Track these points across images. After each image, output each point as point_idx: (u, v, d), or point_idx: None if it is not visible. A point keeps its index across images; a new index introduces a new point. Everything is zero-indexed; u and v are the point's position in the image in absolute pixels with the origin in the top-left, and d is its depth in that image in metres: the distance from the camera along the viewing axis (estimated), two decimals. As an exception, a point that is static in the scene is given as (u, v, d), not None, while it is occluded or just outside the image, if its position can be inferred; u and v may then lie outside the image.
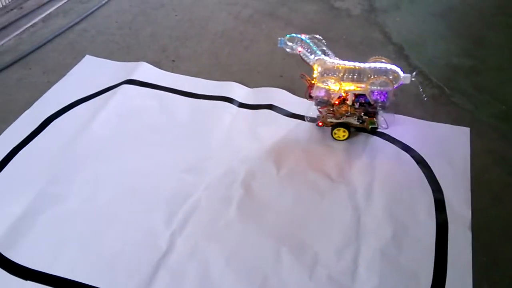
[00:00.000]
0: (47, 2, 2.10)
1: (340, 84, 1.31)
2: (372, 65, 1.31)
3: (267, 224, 1.17)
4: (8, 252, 1.08)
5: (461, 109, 1.53)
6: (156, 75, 1.66)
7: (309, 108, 1.47)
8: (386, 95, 1.32)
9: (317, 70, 1.34)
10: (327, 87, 1.33)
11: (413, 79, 1.30)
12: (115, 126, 1.44)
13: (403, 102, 1.55)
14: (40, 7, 2.07)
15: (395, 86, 1.29)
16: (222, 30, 1.94)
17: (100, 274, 1.05)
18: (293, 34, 1.36)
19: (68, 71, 1.69)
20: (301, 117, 1.49)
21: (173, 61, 1.76)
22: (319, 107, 1.40)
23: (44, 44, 1.85)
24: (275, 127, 1.45)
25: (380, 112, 1.39)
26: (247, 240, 1.13)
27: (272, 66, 1.73)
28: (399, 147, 1.39)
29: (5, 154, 1.33)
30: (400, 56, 1.77)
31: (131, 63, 1.72)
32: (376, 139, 1.40)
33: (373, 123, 1.39)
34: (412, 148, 1.38)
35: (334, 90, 1.33)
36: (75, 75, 1.66)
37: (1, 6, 2.03)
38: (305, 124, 1.46)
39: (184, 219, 1.17)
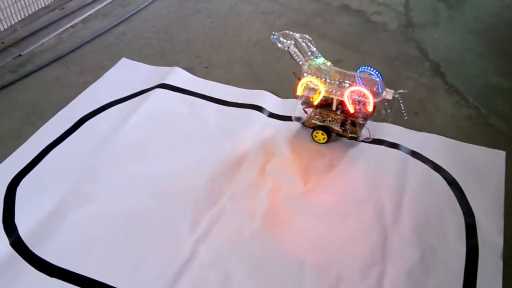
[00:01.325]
0: (88, 4, 2.15)
1: (324, 86, 1.34)
2: (358, 74, 1.33)
3: (291, 238, 1.16)
4: (36, 248, 1.10)
5: (497, 131, 1.49)
6: (188, 81, 1.68)
7: (295, 107, 1.48)
8: (368, 107, 1.33)
9: (305, 70, 1.37)
10: (312, 87, 1.36)
11: (395, 95, 1.31)
12: (146, 129, 1.46)
13: (437, 121, 1.51)
14: (81, 8, 2.12)
15: (377, 99, 1.31)
16: (256, 39, 1.95)
17: (123, 277, 1.06)
18: (286, 31, 1.38)
19: (104, 73, 1.72)
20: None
21: (206, 67, 1.78)
22: (304, 106, 1.43)
23: (83, 45, 1.90)
24: (303, 140, 1.44)
25: (367, 123, 1.40)
26: (270, 253, 1.12)
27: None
28: (430, 166, 1.35)
29: (39, 151, 1.36)
30: (436, 74, 1.74)
31: (165, 68, 1.74)
32: (407, 157, 1.38)
33: (354, 132, 1.40)
34: (443, 169, 1.34)
35: (318, 92, 1.35)
36: (110, 77, 1.70)
37: (44, 5, 2.09)
38: (334, 140, 1.44)
39: (208, 227, 1.17)
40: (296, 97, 1.42)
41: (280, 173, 1.33)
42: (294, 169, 1.34)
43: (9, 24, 1.93)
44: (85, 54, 1.85)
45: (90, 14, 2.10)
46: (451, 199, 1.27)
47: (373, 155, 1.39)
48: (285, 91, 1.64)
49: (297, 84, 1.39)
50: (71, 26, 2.02)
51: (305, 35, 1.39)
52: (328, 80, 1.35)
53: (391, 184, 1.30)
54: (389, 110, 1.40)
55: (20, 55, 1.81)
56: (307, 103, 1.42)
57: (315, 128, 1.42)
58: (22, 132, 1.45)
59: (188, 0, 2.23)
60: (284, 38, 1.37)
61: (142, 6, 2.15)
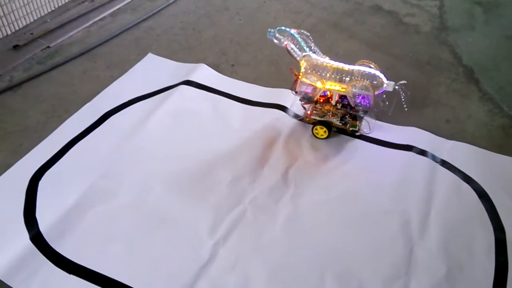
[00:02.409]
0: (117, -3, 2.16)
1: (323, 82, 1.33)
2: (358, 68, 1.32)
3: (313, 245, 1.13)
4: (55, 243, 1.10)
5: (533, 143, 1.42)
6: (213, 78, 1.66)
7: (293, 103, 1.48)
8: (369, 100, 1.32)
9: (303, 66, 1.36)
10: (310, 82, 1.35)
11: (396, 87, 1.30)
12: (169, 126, 1.45)
13: (469, 130, 1.46)
14: (110, 1, 2.13)
15: (378, 92, 1.30)
16: (284, 37, 1.91)
17: (142, 277, 1.05)
18: (283, 28, 1.37)
19: (131, 67, 1.72)
20: (358, 136, 1.43)
21: (233, 65, 1.75)
22: (302, 102, 1.42)
23: (111, 38, 1.90)
24: (329, 145, 1.41)
25: (366, 117, 1.39)
26: (290, 259, 1.10)
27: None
28: (460, 177, 1.30)
29: (63, 145, 1.37)
30: (470, 80, 1.67)
31: (191, 64, 1.73)
32: (435, 166, 1.33)
33: (355, 126, 1.40)
34: (474, 180, 1.29)
35: (318, 87, 1.34)
36: (136, 72, 1.69)
37: (74, -2, 2.11)
38: (362, 144, 1.41)
39: (228, 230, 1.15)
40: (294, 93, 1.41)
41: (303, 178, 1.30)
42: (318, 174, 1.31)
43: (39, 16, 1.95)
44: (112, 48, 1.86)
45: (119, 8, 2.10)
46: (481, 212, 1.21)
47: (401, 162, 1.35)
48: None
49: (295, 80, 1.39)
50: (100, 19, 2.02)
51: (302, 30, 1.39)
52: (326, 75, 1.34)
53: (418, 194, 1.25)
54: (387, 103, 1.37)
55: (48, 46, 1.83)
56: (306, 99, 1.41)
57: (315, 123, 1.41)
58: (48, 125, 1.46)
59: (216, -4, 2.21)
60: (281, 34, 1.37)
61: (171, 1, 2.14)
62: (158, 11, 2.08)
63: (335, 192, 1.26)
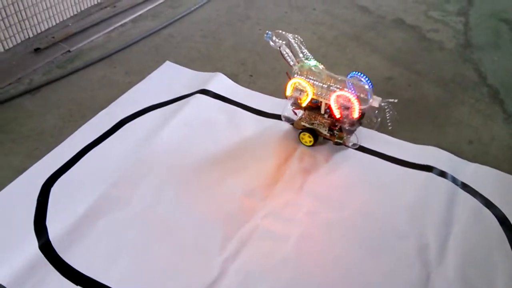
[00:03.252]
0: (139, 4, 2.16)
1: (312, 89, 1.34)
2: (348, 79, 1.31)
3: (325, 267, 1.09)
4: (64, 253, 1.09)
5: (559, 169, 1.37)
6: (230, 88, 1.64)
7: (286, 107, 1.46)
8: (354, 113, 1.31)
9: (295, 71, 1.36)
10: (300, 88, 1.36)
11: (382, 103, 1.29)
12: (182, 136, 1.44)
13: (492, 152, 1.41)
14: (132, 7, 2.14)
15: (364, 106, 1.29)
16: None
17: (148, 291, 1.03)
18: (280, 31, 1.38)
19: (149, 74, 1.72)
20: (375, 153, 1.40)
21: (251, 76, 1.74)
22: (293, 107, 1.42)
23: (131, 44, 1.90)
24: (344, 162, 1.37)
25: (350, 129, 1.37)
26: (301, 281, 1.06)
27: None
28: (481, 202, 1.26)
29: (77, 151, 1.36)
30: (495, 100, 1.62)
31: (208, 73, 1.72)
32: (456, 189, 1.28)
33: (341, 138, 1.39)
34: (495, 205, 1.24)
35: (307, 94, 1.34)
36: (153, 80, 1.69)
37: (96, 2, 2.12)
38: (379, 162, 1.37)
39: (238, 246, 1.13)
40: (286, 97, 1.41)
41: (318, 195, 1.27)
42: (334, 191, 1.28)
43: (61, 19, 1.96)
44: (132, 54, 1.86)
45: (140, 14, 2.11)
46: (501, 239, 1.17)
47: (419, 182, 1.31)
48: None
49: (286, 85, 1.38)
50: (121, 25, 2.03)
51: (297, 36, 1.39)
52: (317, 83, 1.33)
53: (437, 217, 1.21)
54: (379, 119, 1.35)
55: (69, 51, 1.84)
56: (296, 104, 1.41)
57: (303, 130, 1.41)
58: (64, 130, 1.46)
59: (238, 5, 2.20)
60: (277, 37, 1.37)
61: (192, 9, 2.14)
62: (179, 18, 2.08)
63: (349, 211, 1.23)
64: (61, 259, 1.08)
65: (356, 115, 1.30)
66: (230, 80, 1.69)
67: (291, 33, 1.39)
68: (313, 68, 1.35)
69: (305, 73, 1.35)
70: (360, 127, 1.46)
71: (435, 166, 1.34)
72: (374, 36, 1.98)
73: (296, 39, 1.38)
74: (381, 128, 1.39)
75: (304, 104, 1.37)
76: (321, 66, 1.36)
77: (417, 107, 1.59)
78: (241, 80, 1.70)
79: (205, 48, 1.89)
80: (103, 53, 1.83)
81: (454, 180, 1.31)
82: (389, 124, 1.32)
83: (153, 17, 2.10)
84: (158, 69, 1.74)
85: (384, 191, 1.29)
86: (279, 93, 1.63)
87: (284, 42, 1.37)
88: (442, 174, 1.33)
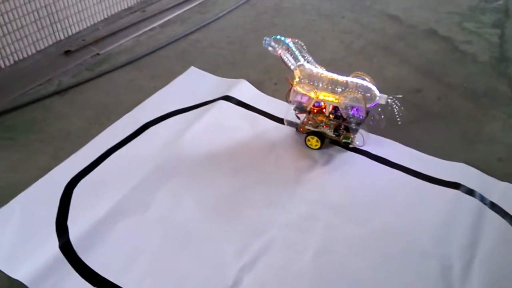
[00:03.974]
0: (168, 8, 2.18)
1: (316, 92, 1.34)
2: (352, 79, 1.32)
3: (342, 283, 1.07)
4: (83, 254, 1.10)
5: None
6: (253, 96, 1.64)
7: (288, 112, 1.47)
8: (362, 112, 1.32)
9: (297, 75, 1.37)
10: (303, 92, 1.36)
11: (389, 100, 1.29)
12: (204, 142, 1.43)
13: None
14: (161, 12, 2.16)
15: (370, 105, 1.30)
16: (330, 58, 1.87)
17: (163, 296, 1.03)
18: (278, 36, 1.38)
19: (174, 79, 1.72)
20: (400, 167, 1.36)
21: (275, 84, 1.72)
22: (296, 112, 1.43)
23: (158, 49, 1.92)
24: (369, 175, 1.34)
25: (360, 129, 1.38)
26: (317, 296, 1.04)
27: (377, 105, 1.61)
28: (510, 223, 1.20)
29: (101, 153, 1.38)
30: (529, 117, 1.56)
31: (232, 80, 1.71)
32: (484, 208, 1.23)
33: (347, 138, 1.38)
34: (525, 227, 1.19)
35: (311, 97, 1.35)
36: (177, 85, 1.69)
37: (126, 7, 2.15)
38: (404, 177, 1.33)
39: (255, 256, 1.11)
40: (288, 102, 1.41)
41: (339, 207, 1.24)
42: (355, 207, 1.25)
43: (92, 23, 2.00)
44: (159, 58, 1.87)
45: (169, 19, 2.13)
46: (531, 263, 1.11)
47: (446, 200, 1.26)
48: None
49: (289, 90, 1.39)
50: (150, 30, 2.05)
51: (297, 40, 1.40)
52: (320, 86, 1.33)
53: (463, 237, 1.16)
54: (383, 116, 1.36)
55: (98, 54, 1.87)
56: (299, 108, 1.41)
57: (309, 133, 1.41)
58: (89, 132, 1.48)
59: (266, 12, 2.20)
60: (276, 43, 1.37)
61: (220, 15, 2.15)
62: (207, 24, 2.09)
63: (371, 227, 1.20)
64: (80, 259, 1.09)
65: (363, 114, 1.32)
66: (254, 88, 1.68)
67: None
68: (314, 71, 1.36)
69: (307, 76, 1.35)
70: (388, 140, 1.45)
71: (462, 184, 1.30)
72: (403, 47, 1.94)
73: (296, 43, 1.39)
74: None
75: (308, 108, 1.39)
76: (322, 69, 1.38)
77: (446, 121, 1.54)
78: (266, 88, 1.69)
79: (231, 55, 1.89)
80: (130, 57, 1.85)
81: (482, 199, 1.26)
82: (398, 119, 1.33)
83: (182, 22, 2.11)
84: (183, 74, 1.75)
85: (408, 207, 1.25)
86: (304, 102, 1.62)
87: (283, 48, 1.38)
88: (470, 192, 1.28)
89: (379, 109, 1.32)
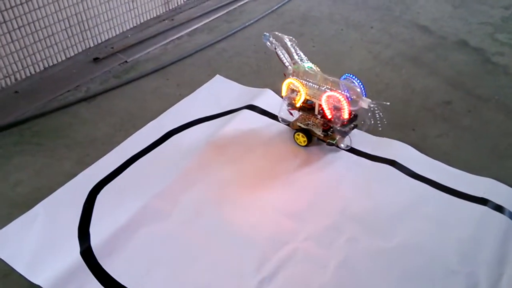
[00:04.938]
0: (196, 17, 2.20)
1: (304, 89, 1.38)
2: (340, 81, 1.34)
3: (363, 299, 1.04)
4: (103, 260, 1.11)
5: None
6: (277, 105, 1.62)
7: (281, 108, 1.50)
8: (344, 113, 1.33)
9: (289, 71, 1.42)
10: (294, 88, 1.40)
11: (371, 105, 1.30)
12: (227, 151, 1.43)
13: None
14: (189, 21, 2.18)
15: (354, 107, 1.33)
16: (358, 68, 1.84)
17: (181, 307, 1.03)
18: (277, 33, 1.44)
19: (199, 87, 1.73)
20: (427, 181, 1.32)
21: (301, 93, 1.71)
22: (289, 108, 1.46)
23: (185, 57, 1.93)
24: (394, 188, 1.31)
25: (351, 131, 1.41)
26: (337, 312, 1.02)
27: (405, 117, 1.58)
28: (541, 241, 1.15)
29: (124, 160, 1.39)
30: None
31: (256, 89, 1.71)
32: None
33: (333, 139, 1.41)
34: (557, 247, 1.14)
35: (301, 94, 1.39)
36: (202, 93, 1.70)
37: (155, 15, 2.18)
38: (431, 190, 1.29)
39: (276, 268, 1.10)
40: (282, 97, 1.46)
41: (362, 221, 1.21)
42: (379, 220, 1.22)
43: (121, 31, 2.04)
44: (185, 66, 1.89)
45: (196, 28, 2.14)
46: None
47: (473, 216, 1.22)
48: (381, 130, 1.51)
49: (282, 85, 1.44)
50: (177, 38, 2.07)
51: (293, 38, 1.44)
52: (310, 84, 1.37)
53: (490, 255, 1.12)
54: (372, 121, 1.36)
55: (126, 61, 1.90)
56: (292, 105, 1.45)
57: (298, 130, 1.44)
58: (114, 138, 1.50)
59: (293, 21, 2.19)
60: (274, 39, 1.43)
61: (246, 24, 2.15)
62: (234, 33, 2.10)
63: (395, 241, 1.16)
64: (100, 266, 1.10)
65: (346, 115, 1.33)
66: (278, 97, 1.67)
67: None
68: (307, 69, 1.39)
69: (300, 74, 1.40)
70: (415, 150, 1.42)
71: (491, 200, 1.25)
72: (433, 58, 1.90)
73: (293, 41, 1.43)
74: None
75: (298, 104, 1.41)
76: (316, 68, 1.41)
77: (476, 135, 1.49)
78: (291, 97, 1.68)
79: (256, 64, 1.89)
80: (157, 65, 1.87)
81: (511, 216, 1.21)
82: (379, 124, 1.35)
83: (209, 31, 2.13)
84: (208, 82, 1.76)
85: (434, 222, 1.21)
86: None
87: (280, 44, 1.43)
88: (499, 208, 1.23)
89: (369, 114, 1.34)
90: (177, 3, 2.27)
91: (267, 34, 1.42)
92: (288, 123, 1.50)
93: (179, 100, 1.67)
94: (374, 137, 1.48)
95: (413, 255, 1.13)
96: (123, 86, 1.76)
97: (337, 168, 1.38)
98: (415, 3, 2.32)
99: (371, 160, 1.40)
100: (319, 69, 1.41)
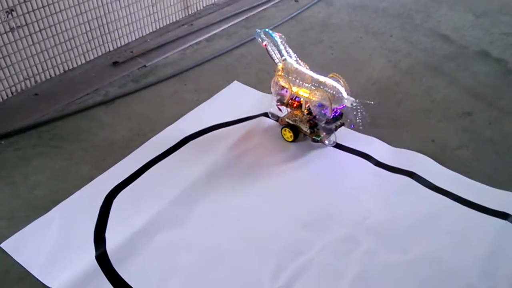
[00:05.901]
0: (215, 23, 2.21)
1: (290, 86, 1.43)
2: (327, 79, 1.38)
3: (380, 315, 1.02)
4: (118, 266, 1.11)
5: None
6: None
7: (272, 104, 1.53)
8: (328, 111, 1.36)
9: (280, 69, 1.46)
10: (282, 85, 1.45)
11: (354, 104, 1.34)
12: (243, 160, 1.42)
13: None
14: (208, 26, 2.19)
15: (339, 106, 1.37)
16: (376, 77, 1.82)
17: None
18: (267, 30, 1.49)
19: (217, 93, 1.73)
20: (446, 193, 1.30)
21: (319, 101, 1.70)
22: (278, 104, 1.50)
23: (203, 62, 1.94)
24: (413, 200, 1.29)
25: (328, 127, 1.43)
26: (353, 326, 1.00)
27: (424, 127, 1.56)
28: None
29: (141, 165, 1.40)
30: None
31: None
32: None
33: (318, 136, 1.45)
34: None
35: (289, 91, 1.43)
36: (220, 99, 1.70)
37: (174, 20, 2.19)
38: (452, 204, 1.27)
39: (291, 279, 1.08)
40: (271, 93, 1.50)
41: (380, 233, 1.19)
42: (397, 232, 1.20)
43: (140, 35, 2.05)
44: (203, 72, 1.89)
45: (215, 33, 2.15)
46: None
47: (494, 230, 1.20)
48: (399, 139, 1.49)
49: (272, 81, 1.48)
50: (196, 43, 2.08)
51: (282, 35, 1.49)
52: (297, 81, 1.41)
53: (511, 270, 1.09)
54: (358, 119, 1.39)
55: (145, 65, 1.91)
56: (280, 101, 1.49)
57: (285, 126, 1.48)
58: (132, 142, 1.51)
59: (312, 28, 2.18)
60: (265, 36, 1.48)
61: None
62: (252, 39, 2.09)
63: (413, 254, 1.14)
64: (115, 271, 1.09)
65: (329, 113, 1.36)
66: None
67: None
68: (296, 66, 1.43)
69: (289, 71, 1.44)
70: (434, 162, 1.40)
71: (512, 214, 1.23)
72: (454, 68, 1.87)
73: (283, 38, 1.48)
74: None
75: (285, 101, 1.46)
76: (305, 66, 1.46)
77: (497, 147, 1.46)
78: (308, 105, 1.67)
79: (273, 70, 1.88)
80: (176, 70, 1.88)
81: (534, 232, 1.18)
82: (360, 123, 1.37)
83: (227, 37, 2.13)
84: (226, 88, 1.76)
85: (453, 235, 1.19)
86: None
87: (270, 41, 1.47)
88: (521, 223, 1.20)
89: (355, 113, 1.37)
90: (197, 8, 2.28)
91: (259, 30, 1.47)
92: (277, 119, 1.54)
93: (196, 105, 1.67)
94: (392, 148, 1.46)
95: (431, 269, 1.11)
96: (141, 90, 1.77)
97: (356, 179, 1.36)
98: (436, 12, 2.29)
99: (390, 171, 1.38)
100: (307, 67, 1.46)
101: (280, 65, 1.46)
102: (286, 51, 1.48)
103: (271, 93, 1.51)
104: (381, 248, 1.16)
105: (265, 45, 1.48)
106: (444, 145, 1.47)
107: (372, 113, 1.61)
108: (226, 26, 2.20)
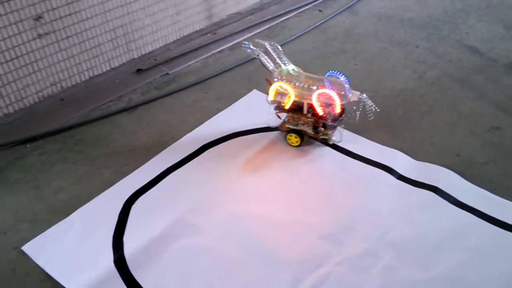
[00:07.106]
0: (238, 32, 2.21)
1: (294, 90, 1.41)
2: (327, 78, 1.38)
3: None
4: (135, 271, 1.11)
5: None
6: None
7: (270, 112, 1.52)
8: (334, 108, 1.38)
9: (275, 75, 1.45)
10: (282, 91, 1.43)
11: (361, 97, 1.36)
12: (261, 169, 1.41)
13: None
14: (231, 35, 2.19)
15: (344, 102, 1.37)
16: (401, 88, 1.79)
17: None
18: (257, 40, 1.48)
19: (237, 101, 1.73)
20: (471, 210, 1.26)
21: (340, 112, 1.68)
22: (277, 111, 1.50)
23: (225, 71, 1.94)
24: (436, 215, 1.25)
25: (339, 126, 1.46)
26: None
27: (449, 141, 1.52)
28: None
29: (160, 171, 1.40)
30: None
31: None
32: None
33: (326, 134, 1.46)
34: None
35: (289, 96, 1.42)
36: (239, 107, 1.70)
37: (198, 29, 2.21)
38: (475, 220, 1.23)
39: (308, 292, 1.06)
40: (269, 102, 1.48)
41: (401, 248, 1.16)
42: (419, 248, 1.17)
43: (164, 43, 2.07)
44: (225, 80, 1.89)
45: (238, 42, 2.15)
46: None
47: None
48: (423, 153, 1.46)
49: (268, 90, 1.46)
50: (218, 52, 2.09)
51: (274, 43, 1.48)
52: (297, 84, 1.40)
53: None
54: (357, 112, 1.43)
55: (167, 73, 1.92)
56: (279, 108, 1.48)
57: (289, 131, 1.47)
58: (152, 149, 1.51)
59: (336, 38, 2.16)
60: (255, 46, 1.47)
61: (288, 39, 2.14)
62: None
63: (435, 272, 1.11)
64: (132, 276, 1.10)
65: (338, 110, 1.38)
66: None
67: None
68: (291, 71, 1.43)
69: (284, 77, 1.43)
70: (459, 177, 1.36)
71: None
72: (482, 81, 1.82)
73: (274, 46, 1.47)
74: (362, 120, 1.46)
75: (287, 106, 1.44)
76: (300, 70, 1.45)
77: (526, 163, 1.42)
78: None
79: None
80: (198, 78, 1.89)
81: None
82: (370, 114, 1.39)
83: (250, 46, 2.13)
84: (246, 96, 1.76)
85: (478, 253, 1.15)
86: (369, 133, 1.55)
87: (261, 50, 1.46)
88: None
89: (354, 107, 1.39)
90: (220, 17, 2.29)
91: (247, 43, 1.47)
92: (276, 126, 1.53)
93: (216, 114, 1.67)
94: (416, 161, 1.42)
95: (454, 287, 1.07)
96: (164, 97, 1.78)
97: (377, 192, 1.33)
98: (464, 23, 2.24)
99: (413, 185, 1.35)
100: (302, 70, 1.45)
101: (275, 73, 1.45)
102: (279, 57, 1.47)
103: (269, 102, 1.49)
104: (402, 264, 1.13)
105: (258, 55, 1.47)
106: (470, 160, 1.43)
107: (396, 125, 1.60)
108: (249, 35, 2.20)
